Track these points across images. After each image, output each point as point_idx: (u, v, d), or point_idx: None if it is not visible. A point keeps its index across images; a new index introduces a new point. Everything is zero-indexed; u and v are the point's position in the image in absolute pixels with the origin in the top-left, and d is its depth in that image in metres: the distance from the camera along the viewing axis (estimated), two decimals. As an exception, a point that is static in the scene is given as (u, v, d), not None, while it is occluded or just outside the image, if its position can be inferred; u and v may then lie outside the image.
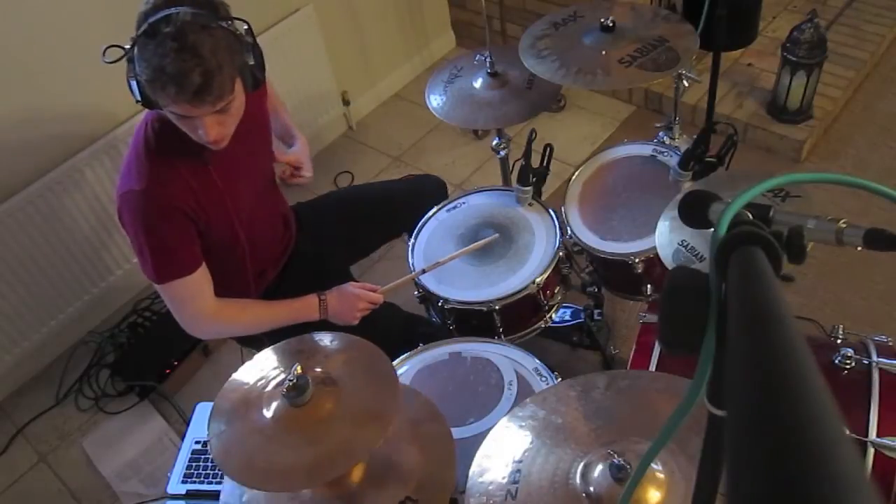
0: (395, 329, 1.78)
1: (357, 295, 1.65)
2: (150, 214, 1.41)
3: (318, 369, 1.16)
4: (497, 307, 1.64)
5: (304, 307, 1.64)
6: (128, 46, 1.27)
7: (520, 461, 1.07)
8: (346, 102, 3.15)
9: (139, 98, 1.32)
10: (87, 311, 2.54)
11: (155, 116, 1.44)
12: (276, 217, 1.75)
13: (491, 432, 1.13)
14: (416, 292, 1.76)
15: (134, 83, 1.30)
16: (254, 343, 1.82)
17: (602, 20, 1.80)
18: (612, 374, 1.19)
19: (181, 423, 2.27)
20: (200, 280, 1.50)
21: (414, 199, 1.99)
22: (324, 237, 1.89)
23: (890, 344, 1.50)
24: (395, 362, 1.52)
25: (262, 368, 1.21)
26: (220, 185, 1.49)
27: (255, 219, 1.62)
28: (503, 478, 1.05)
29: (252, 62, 1.36)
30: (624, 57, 1.75)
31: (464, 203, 1.90)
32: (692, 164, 1.75)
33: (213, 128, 1.34)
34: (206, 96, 1.26)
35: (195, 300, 1.52)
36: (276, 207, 1.74)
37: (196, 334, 1.63)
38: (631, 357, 1.56)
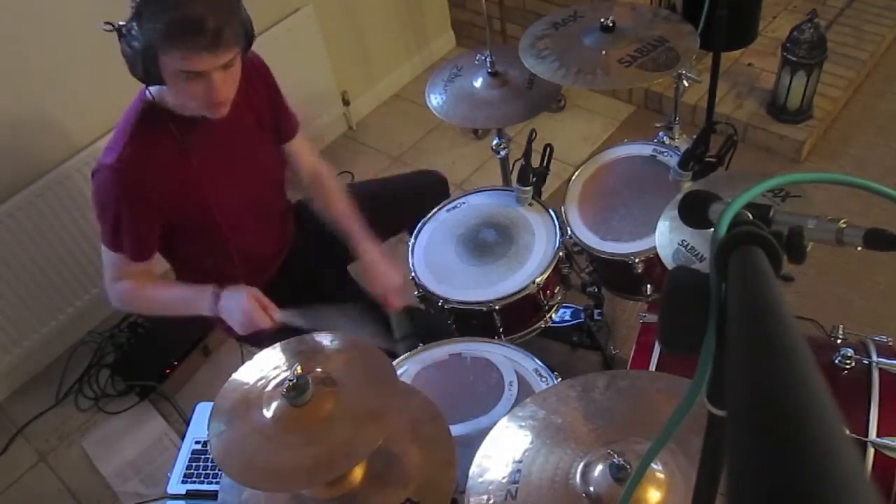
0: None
1: (246, 306, 1.47)
2: (113, 191, 1.44)
3: (319, 369, 1.16)
4: (497, 307, 1.64)
5: (197, 298, 1.53)
6: (122, 23, 1.28)
7: (520, 461, 1.07)
8: (346, 102, 3.15)
9: (140, 70, 1.32)
10: (87, 311, 2.54)
11: (153, 91, 1.45)
12: (272, 215, 1.75)
13: (491, 432, 1.13)
14: (416, 292, 1.76)
15: (135, 55, 1.30)
16: (255, 342, 1.82)
17: (602, 20, 1.80)
18: (612, 374, 1.19)
19: (181, 423, 2.27)
20: (139, 266, 1.53)
21: (415, 195, 1.99)
22: (323, 235, 1.89)
23: (890, 344, 1.50)
24: (395, 362, 1.52)
25: (262, 368, 1.21)
26: (197, 171, 1.51)
27: (241, 211, 1.62)
28: (503, 478, 1.05)
29: (247, 21, 1.39)
30: (624, 57, 1.75)
31: (464, 203, 1.90)
32: (692, 164, 1.75)
33: (223, 85, 1.36)
34: (221, 42, 1.28)
35: (119, 275, 1.55)
36: (273, 205, 1.74)
37: (109, 300, 1.63)
38: (631, 357, 1.56)
